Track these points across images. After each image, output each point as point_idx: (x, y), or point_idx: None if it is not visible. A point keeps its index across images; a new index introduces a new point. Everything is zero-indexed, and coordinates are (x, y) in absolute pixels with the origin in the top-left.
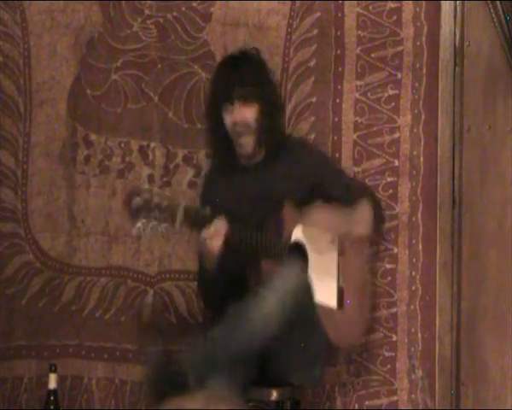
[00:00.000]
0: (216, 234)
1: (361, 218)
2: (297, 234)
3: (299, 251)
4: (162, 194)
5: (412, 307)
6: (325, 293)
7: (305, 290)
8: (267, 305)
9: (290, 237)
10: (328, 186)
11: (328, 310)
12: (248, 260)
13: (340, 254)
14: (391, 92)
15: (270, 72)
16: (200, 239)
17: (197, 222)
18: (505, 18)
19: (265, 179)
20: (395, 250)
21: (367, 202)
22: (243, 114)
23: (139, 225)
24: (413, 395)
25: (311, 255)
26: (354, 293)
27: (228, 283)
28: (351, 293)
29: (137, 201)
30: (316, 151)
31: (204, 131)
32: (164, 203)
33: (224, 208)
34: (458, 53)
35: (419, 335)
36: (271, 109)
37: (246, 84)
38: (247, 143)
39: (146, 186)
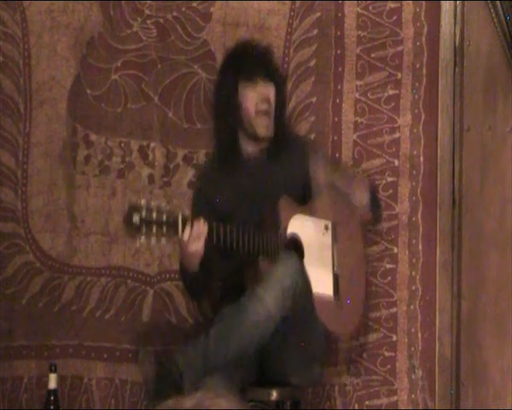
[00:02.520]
0: (196, 236)
1: (360, 192)
2: (293, 225)
3: (294, 245)
4: (160, 207)
5: (412, 307)
6: (321, 282)
7: (302, 286)
8: (264, 303)
9: (286, 230)
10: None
11: (324, 298)
12: (245, 258)
13: (335, 240)
14: (391, 92)
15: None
16: (180, 242)
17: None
18: (505, 18)
19: (266, 177)
20: (395, 250)
21: (364, 183)
22: (268, 92)
23: (139, 242)
24: (413, 395)
25: (307, 246)
26: (350, 278)
27: (224, 282)
28: (347, 278)
29: (136, 219)
30: (317, 151)
31: (206, 129)
32: (163, 218)
33: (224, 207)
34: (458, 53)
35: (419, 335)
36: (284, 96)
37: (268, 64)
38: (267, 125)
39: (146, 186)
